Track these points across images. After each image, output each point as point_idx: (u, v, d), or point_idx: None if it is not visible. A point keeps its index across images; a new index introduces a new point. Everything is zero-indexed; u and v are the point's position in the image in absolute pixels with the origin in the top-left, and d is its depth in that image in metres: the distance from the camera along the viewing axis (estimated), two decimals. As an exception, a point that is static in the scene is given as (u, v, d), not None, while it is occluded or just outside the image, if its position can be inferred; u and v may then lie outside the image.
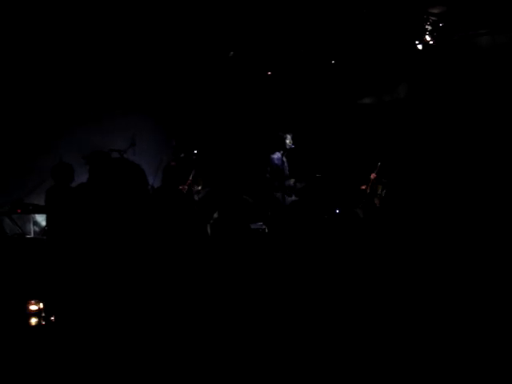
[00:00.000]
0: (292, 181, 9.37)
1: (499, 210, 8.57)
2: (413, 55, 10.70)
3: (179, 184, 8.71)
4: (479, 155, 9.74)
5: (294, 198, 9.32)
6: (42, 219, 8.80)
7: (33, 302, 6.30)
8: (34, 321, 6.22)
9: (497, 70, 9.94)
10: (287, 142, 9.36)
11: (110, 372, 4.32)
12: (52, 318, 6.22)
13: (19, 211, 8.48)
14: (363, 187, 10.21)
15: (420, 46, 10.48)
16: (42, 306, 6.31)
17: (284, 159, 9.35)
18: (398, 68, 11.04)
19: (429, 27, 10.26)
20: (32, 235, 8.73)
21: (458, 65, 10.41)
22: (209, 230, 9.72)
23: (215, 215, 10.01)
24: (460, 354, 3.96)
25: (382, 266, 7.07)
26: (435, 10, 10.11)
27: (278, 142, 9.37)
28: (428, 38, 10.35)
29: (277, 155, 9.33)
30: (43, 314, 6.25)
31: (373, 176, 10.08)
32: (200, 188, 9.49)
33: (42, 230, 8.65)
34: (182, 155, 9.49)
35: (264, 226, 9.15)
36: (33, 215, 8.95)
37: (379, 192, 10.10)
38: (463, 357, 3.90)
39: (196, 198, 9.31)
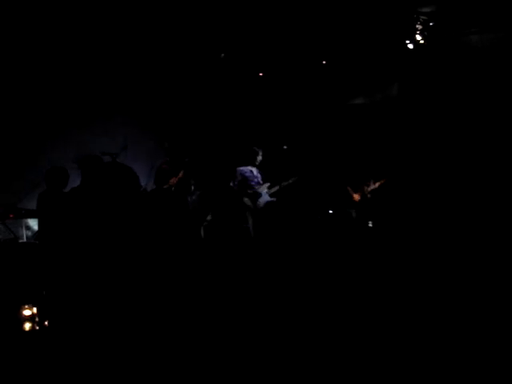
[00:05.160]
0: (266, 185, 9.42)
1: (491, 208, 8.60)
2: (404, 55, 10.71)
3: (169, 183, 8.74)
4: (471, 153, 9.77)
5: (264, 200, 9.35)
6: (34, 224, 8.76)
7: (26, 306, 6.29)
8: (27, 326, 6.20)
9: (487, 68, 9.97)
10: (258, 158, 9.52)
11: (103, 375, 4.31)
12: (46, 323, 6.20)
13: (12, 216, 8.45)
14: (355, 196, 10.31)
15: (411, 46, 10.49)
16: (35, 310, 6.30)
17: (255, 171, 9.48)
18: (389, 68, 11.06)
19: (419, 26, 10.28)
20: (25, 240, 8.69)
21: (448, 64, 10.44)
22: (202, 233, 9.75)
23: (208, 217, 10.05)
24: (460, 353, 3.95)
25: (377, 265, 7.09)
26: (426, 10, 10.14)
27: (250, 156, 9.51)
28: (419, 37, 10.37)
29: (246, 168, 9.45)
30: (37, 319, 6.24)
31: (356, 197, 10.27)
32: (192, 187, 9.52)
33: (35, 234, 8.61)
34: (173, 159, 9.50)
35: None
36: (25, 220, 8.91)
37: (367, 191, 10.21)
38: (463, 357, 3.90)
39: (189, 199, 9.31)
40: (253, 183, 9.37)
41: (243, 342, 4.72)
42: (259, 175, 9.51)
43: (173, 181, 8.76)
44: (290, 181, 9.54)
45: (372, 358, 4.14)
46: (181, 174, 8.92)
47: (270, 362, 4.24)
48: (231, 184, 9.46)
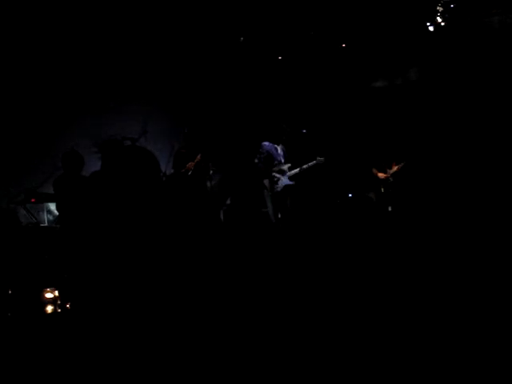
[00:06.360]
0: (286, 166, 9.32)
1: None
2: (424, 37, 10.60)
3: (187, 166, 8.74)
4: (492, 138, 9.66)
5: (283, 183, 9.26)
6: (55, 208, 8.86)
7: (48, 289, 6.36)
8: (49, 308, 6.28)
9: (509, 50, 9.84)
10: (285, 136, 9.42)
11: (125, 357, 4.34)
12: (67, 306, 6.28)
13: (33, 200, 8.54)
14: (381, 175, 10.20)
15: (431, 28, 10.38)
16: (57, 293, 6.37)
17: (279, 148, 9.36)
18: (409, 50, 10.95)
19: (440, 8, 10.16)
20: (46, 224, 8.78)
21: (470, 46, 10.32)
22: (222, 216, 9.78)
23: (228, 201, 10.07)
24: (460, 354, 3.92)
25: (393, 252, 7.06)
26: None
27: (278, 133, 9.38)
28: (439, 19, 10.26)
29: (271, 144, 9.32)
30: (59, 302, 6.31)
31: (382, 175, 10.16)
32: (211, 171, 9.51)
33: (56, 218, 8.70)
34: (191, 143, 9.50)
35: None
36: (46, 204, 9.01)
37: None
38: (463, 357, 3.87)
39: (208, 184, 9.33)
40: (275, 162, 9.25)
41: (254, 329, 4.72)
42: (282, 153, 9.38)
43: (190, 165, 8.77)
44: (311, 164, 9.42)
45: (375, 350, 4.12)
46: (198, 158, 8.91)
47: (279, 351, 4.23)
48: (256, 160, 9.31)
